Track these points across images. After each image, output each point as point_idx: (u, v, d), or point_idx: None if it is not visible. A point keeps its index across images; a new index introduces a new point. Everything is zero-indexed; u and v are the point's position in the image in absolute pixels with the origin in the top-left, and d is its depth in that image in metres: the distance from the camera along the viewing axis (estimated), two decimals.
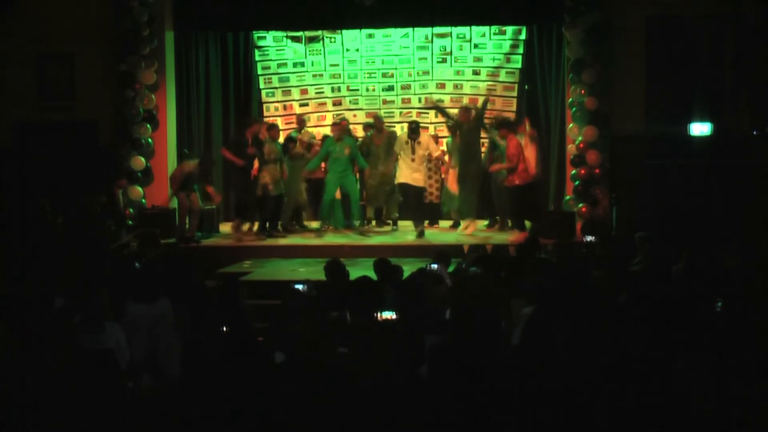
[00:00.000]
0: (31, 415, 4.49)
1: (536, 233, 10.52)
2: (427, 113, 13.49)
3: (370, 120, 12.65)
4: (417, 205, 11.58)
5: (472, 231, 11.22)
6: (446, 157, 12.26)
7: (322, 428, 4.12)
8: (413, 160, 11.37)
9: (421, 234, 11.21)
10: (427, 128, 13.07)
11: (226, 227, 12.24)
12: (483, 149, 11.71)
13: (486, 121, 11.66)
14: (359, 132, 12.72)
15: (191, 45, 13.14)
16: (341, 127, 11.59)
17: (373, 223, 12.43)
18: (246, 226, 11.46)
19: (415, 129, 11.45)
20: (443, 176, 12.38)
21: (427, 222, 12.06)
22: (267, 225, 11.51)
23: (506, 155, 11.00)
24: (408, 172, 11.38)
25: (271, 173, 11.28)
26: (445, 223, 12.41)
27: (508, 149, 10.94)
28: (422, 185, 11.56)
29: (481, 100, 12.58)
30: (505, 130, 11.08)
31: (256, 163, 11.37)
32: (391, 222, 12.35)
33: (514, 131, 11.06)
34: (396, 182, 11.59)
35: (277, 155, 11.36)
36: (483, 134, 11.58)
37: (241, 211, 11.54)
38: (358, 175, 11.88)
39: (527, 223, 11.18)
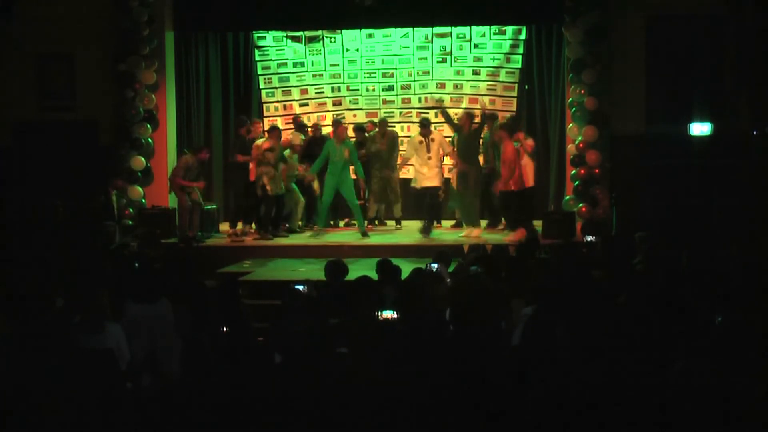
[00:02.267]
0: (31, 415, 4.49)
1: (535, 233, 10.54)
2: (428, 113, 13.48)
3: (362, 122, 12.66)
4: (433, 204, 11.52)
5: (477, 235, 11.13)
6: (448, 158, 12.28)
7: (321, 428, 4.12)
8: (429, 158, 11.30)
9: (427, 232, 11.20)
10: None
11: (226, 227, 12.24)
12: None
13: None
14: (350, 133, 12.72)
15: (191, 45, 13.15)
16: (343, 129, 11.59)
17: (375, 222, 12.45)
18: (240, 227, 11.44)
19: (426, 125, 11.47)
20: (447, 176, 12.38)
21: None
22: (265, 225, 11.52)
23: (502, 160, 10.95)
24: (425, 174, 11.30)
25: (269, 174, 11.25)
26: (447, 223, 12.41)
27: (504, 154, 10.88)
28: (438, 184, 11.47)
29: (482, 100, 12.61)
30: (504, 133, 11.03)
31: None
32: (395, 222, 12.37)
33: (510, 136, 11.01)
34: (417, 186, 11.53)
35: (277, 155, 11.35)
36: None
37: (240, 214, 11.54)
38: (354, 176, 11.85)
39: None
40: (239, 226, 11.42)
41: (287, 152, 11.81)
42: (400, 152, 12.65)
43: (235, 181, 11.51)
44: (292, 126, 12.95)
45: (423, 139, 11.38)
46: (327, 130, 12.65)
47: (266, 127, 12.54)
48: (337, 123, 11.78)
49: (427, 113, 13.42)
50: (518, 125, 12.03)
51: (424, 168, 11.35)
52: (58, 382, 4.67)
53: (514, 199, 10.92)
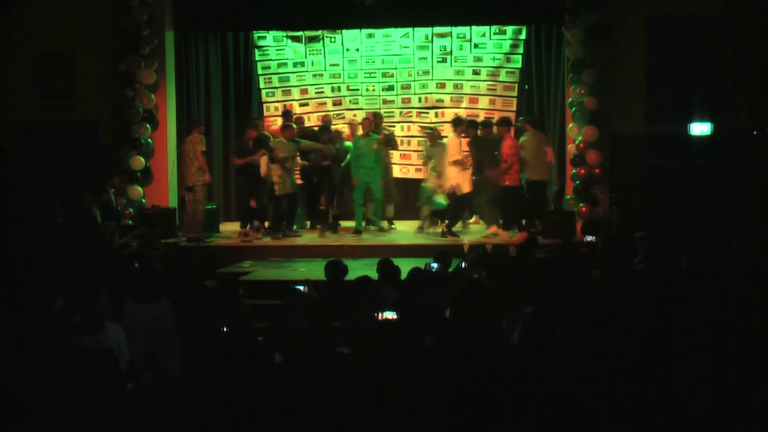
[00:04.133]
0: (31, 415, 4.49)
1: (535, 233, 10.55)
2: (427, 113, 13.51)
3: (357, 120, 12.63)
4: (460, 206, 11.38)
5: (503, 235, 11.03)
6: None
7: (322, 428, 4.12)
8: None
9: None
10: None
11: (226, 227, 12.23)
12: None
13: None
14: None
15: (191, 45, 13.15)
16: (367, 122, 11.56)
17: (384, 223, 12.42)
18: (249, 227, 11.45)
19: (461, 122, 11.41)
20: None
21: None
22: (271, 224, 11.55)
23: (500, 154, 10.97)
24: (453, 177, 11.08)
25: (279, 173, 11.24)
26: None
27: (503, 149, 10.91)
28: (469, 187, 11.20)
29: (482, 100, 12.63)
30: (504, 129, 11.06)
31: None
32: (386, 222, 12.36)
33: (508, 131, 11.05)
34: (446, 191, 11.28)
35: (289, 154, 11.32)
36: None
37: (245, 215, 11.54)
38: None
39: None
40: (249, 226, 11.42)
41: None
42: (419, 153, 12.49)
43: (241, 181, 11.50)
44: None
45: (460, 139, 11.21)
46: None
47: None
48: (367, 118, 11.86)
49: (427, 113, 13.46)
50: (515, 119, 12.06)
51: (451, 171, 11.12)
52: (58, 381, 4.67)
53: (508, 195, 10.93)
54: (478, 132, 11.26)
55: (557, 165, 12.60)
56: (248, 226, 11.32)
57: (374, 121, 11.88)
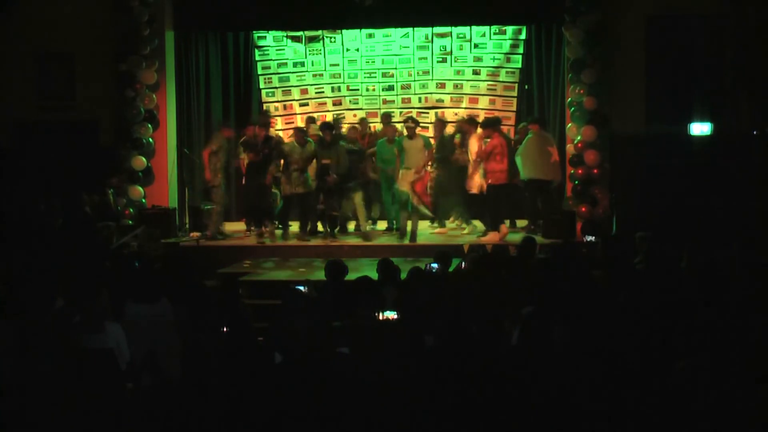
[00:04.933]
0: (31, 415, 4.49)
1: (531, 233, 10.59)
2: (427, 113, 13.50)
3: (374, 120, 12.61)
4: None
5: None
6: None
7: (321, 428, 4.12)
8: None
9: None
10: (427, 128, 13.08)
11: (226, 227, 12.21)
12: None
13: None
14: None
15: (191, 45, 13.13)
16: (392, 129, 11.52)
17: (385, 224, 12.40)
18: (251, 227, 11.45)
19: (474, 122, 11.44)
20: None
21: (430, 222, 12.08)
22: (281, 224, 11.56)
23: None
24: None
25: (287, 175, 11.23)
26: (449, 224, 12.36)
27: (486, 147, 10.92)
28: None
29: (481, 100, 12.63)
30: (489, 130, 11.03)
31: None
32: (387, 222, 12.34)
33: (498, 130, 11.06)
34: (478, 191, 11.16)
35: (301, 158, 11.23)
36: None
37: (250, 215, 11.54)
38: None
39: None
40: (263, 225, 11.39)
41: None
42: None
43: (250, 182, 11.49)
44: (292, 126, 12.95)
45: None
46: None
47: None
48: (386, 119, 11.75)
49: (427, 113, 13.46)
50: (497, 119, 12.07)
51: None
52: (58, 382, 4.67)
53: (491, 194, 10.93)
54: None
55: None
56: (262, 225, 11.26)
57: (387, 123, 11.79)
